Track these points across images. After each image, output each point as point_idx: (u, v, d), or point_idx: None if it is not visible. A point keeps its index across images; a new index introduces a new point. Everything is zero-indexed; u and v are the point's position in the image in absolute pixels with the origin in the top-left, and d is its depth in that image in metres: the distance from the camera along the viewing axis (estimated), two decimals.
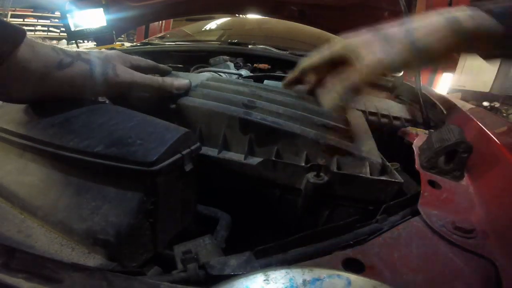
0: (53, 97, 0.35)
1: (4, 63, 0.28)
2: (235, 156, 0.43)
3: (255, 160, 0.42)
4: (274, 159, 0.42)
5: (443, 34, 0.39)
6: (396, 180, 0.41)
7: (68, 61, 0.34)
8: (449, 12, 0.40)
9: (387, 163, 0.45)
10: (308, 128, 0.45)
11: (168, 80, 0.45)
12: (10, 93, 0.32)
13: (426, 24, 0.40)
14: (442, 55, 0.40)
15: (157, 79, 0.44)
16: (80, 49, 0.38)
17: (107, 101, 0.45)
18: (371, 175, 0.42)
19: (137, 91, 0.43)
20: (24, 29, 0.31)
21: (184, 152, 0.32)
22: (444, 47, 0.39)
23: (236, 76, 0.82)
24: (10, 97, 0.33)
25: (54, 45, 0.35)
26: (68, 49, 0.36)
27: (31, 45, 0.31)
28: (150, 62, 0.48)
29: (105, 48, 1.13)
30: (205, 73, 0.77)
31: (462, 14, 0.39)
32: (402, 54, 0.39)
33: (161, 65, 0.51)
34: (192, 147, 0.34)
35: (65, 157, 0.29)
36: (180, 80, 0.47)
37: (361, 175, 0.41)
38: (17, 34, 0.30)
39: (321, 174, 0.39)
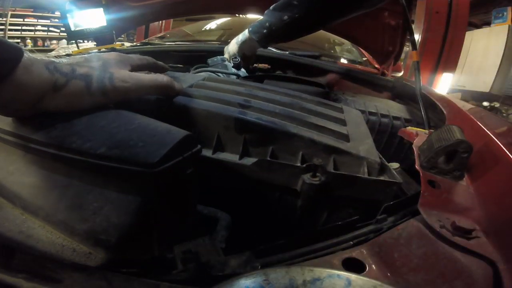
0: (51, 113, 0.34)
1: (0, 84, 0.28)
2: (230, 156, 0.43)
3: (250, 161, 0.42)
4: (269, 159, 0.41)
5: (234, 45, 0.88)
6: (395, 181, 0.40)
7: (62, 82, 0.33)
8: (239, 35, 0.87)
9: (386, 163, 0.45)
10: (304, 128, 0.45)
11: (169, 79, 0.44)
12: (6, 112, 0.32)
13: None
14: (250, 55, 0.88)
15: (156, 78, 0.43)
16: (76, 60, 0.37)
17: None
18: (369, 175, 0.41)
19: (140, 94, 0.42)
20: (21, 48, 0.30)
21: (185, 155, 0.32)
22: (251, 52, 0.88)
23: (235, 76, 0.82)
24: (7, 115, 0.33)
25: (51, 59, 0.34)
26: (63, 62, 0.35)
27: (26, 65, 0.30)
28: (149, 59, 0.47)
29: (105, 48, 1.13)
30: (202, 73, 0.77)
31: (242, 35, 0.85)
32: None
33: (159, 62, 0.51)
34: (193, 150, 0.34)
35: (67, 158, 0.29)
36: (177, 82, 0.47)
37: (358, 175, 0.40)
38: (15, 54, 0.29)
39: (318, 174, 0.39)
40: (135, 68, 0.42)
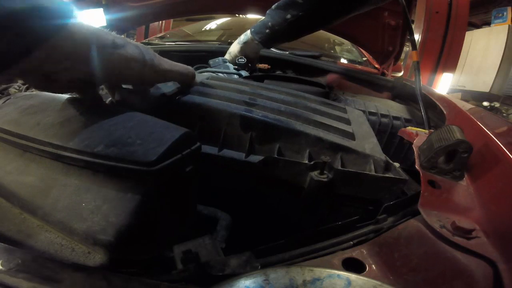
0: (100, 80, 0.33)
1: (55, 37, 0.27)
2: (236, 154, 0.43)
3: (256, 158, 0.42)
4: (276, 156, 0.41)
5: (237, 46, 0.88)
6: (402, 177, 0.40)
7: (121, 42, 0.33)
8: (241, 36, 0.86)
9: (390, 161, 0.45)
10: (310, 126, 0.45)
11: (192, 69, 0.47)
12: (58, 73, 0.30)
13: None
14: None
15: (183, 66, 0.44)
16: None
17: (107, 101, 0.45)
18: (375, 172, 0.42)
19: (172, 78, 0.43)
20: (71, 5, 0.29)
21: (184, 153, 0.32)
22: (254, 54, 0.87)
23: (236, 76, 0.82)
24: (55, 79, 0.30)
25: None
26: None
27: (82, 23, 0.29)
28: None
29: None
30: (205, 73, 0.77)
31: (244, 36, 0.85)
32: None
33: None
34: (192, 147, 0.34)
35: (65, 157, 0.29)
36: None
37: (366, 172, 0.40)
38: (67, 9, 0.28)
39: (325, 171, 0.39)
40: None
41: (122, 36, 0.35)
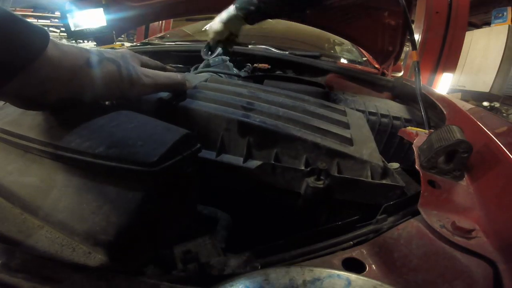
0: (80, 99, 0.33)
1: (34, 63, 0.27)
2: (234, 159, 0.43)
3: (253, 164, 0.42)
4: (273, 162, 0.41)
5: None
6: (398, 184, 0.40)
7: (95, 59, 0.32)
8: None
9: (388, 166, 0.45)
10: (308, 131, 0.45)
11: (183, 76, 0.45)
12: (39, 96, 0.30)
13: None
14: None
15: (170, 75, 0.43)
16: (100, 48, 0.37)
17: (107, 102, 0.45)
18: (372, 178, 0.42)
19: (156, 91, 0.42)
20: (46, 30, 0.29)
21: (185, 153, 0.32)
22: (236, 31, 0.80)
23: (236, 77, 0.82)
24: (37, 101, 0.31)
25: (74, 44, 0.34)
26: (90, 48, 0.35)
27: (56, 44, 0.30)
28: (158, 63, 0.48)
29: (105, 48, 1.13)
30: (204, 74, 0.77)
31: (226, 13, 0.77)
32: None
33: (168, 67, 0.51)
34: (193, 149, 0.34)
35: (66, 158, 0.29)
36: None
37: (362, 179, 0.41)
38: (44, 33, 0.29)
39: (321, 178, 0.39)
40: (144, 66, 0.42)
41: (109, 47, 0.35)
